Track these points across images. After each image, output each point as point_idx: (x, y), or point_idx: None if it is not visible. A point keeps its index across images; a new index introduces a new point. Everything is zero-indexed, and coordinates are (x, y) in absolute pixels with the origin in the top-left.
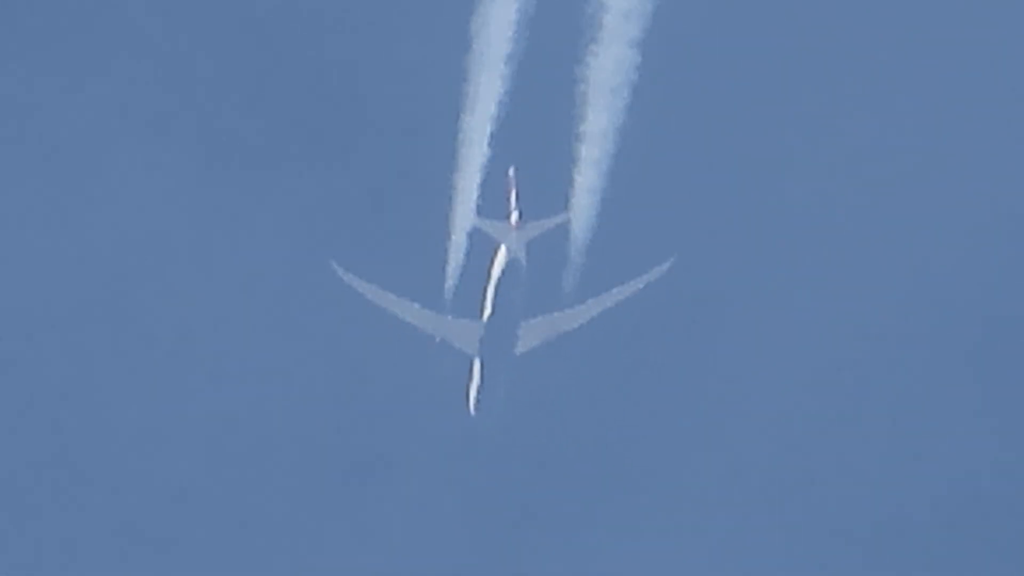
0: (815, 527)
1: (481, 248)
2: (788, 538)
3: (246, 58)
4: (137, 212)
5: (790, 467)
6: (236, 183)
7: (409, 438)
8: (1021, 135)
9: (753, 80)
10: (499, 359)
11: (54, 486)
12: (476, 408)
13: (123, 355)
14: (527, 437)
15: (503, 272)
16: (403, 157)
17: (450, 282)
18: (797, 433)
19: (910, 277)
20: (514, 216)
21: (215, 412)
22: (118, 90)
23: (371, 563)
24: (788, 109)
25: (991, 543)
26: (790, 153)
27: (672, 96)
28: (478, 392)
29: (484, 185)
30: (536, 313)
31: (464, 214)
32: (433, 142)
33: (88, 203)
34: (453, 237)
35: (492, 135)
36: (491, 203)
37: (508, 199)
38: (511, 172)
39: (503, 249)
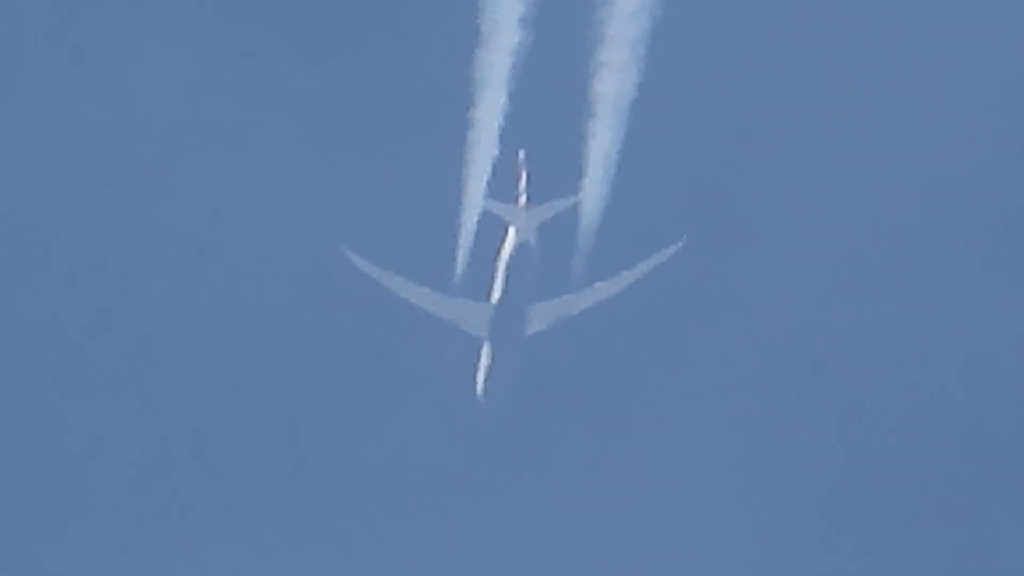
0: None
1: (491, 231)
2: (804, 509)
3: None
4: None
5: (803, 458)
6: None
7: (416, 421)
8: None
9: (766, 62)
10: (508, 342)
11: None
12: (484, 391)
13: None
14: (534, 420)
15: (513, 255)
16: (413, 139)
17: (460, 265)
18: (807, 427)
19: (924, 271)
20: (523, 198)
21: (213, 409)
22: None
23: (371, 554)
24: (802, 92)
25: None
26: (802, 136)
27: (684, 78)
28: (487, 375)
29: (495, 167)
30: (545, 296)
31: (474, 196)
32: (443, 124)
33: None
34: (463, 219)
35: (504, 117)
36: (501, 185)
37: (518, 181)
38: (521, 154)
39: (513, 231)
